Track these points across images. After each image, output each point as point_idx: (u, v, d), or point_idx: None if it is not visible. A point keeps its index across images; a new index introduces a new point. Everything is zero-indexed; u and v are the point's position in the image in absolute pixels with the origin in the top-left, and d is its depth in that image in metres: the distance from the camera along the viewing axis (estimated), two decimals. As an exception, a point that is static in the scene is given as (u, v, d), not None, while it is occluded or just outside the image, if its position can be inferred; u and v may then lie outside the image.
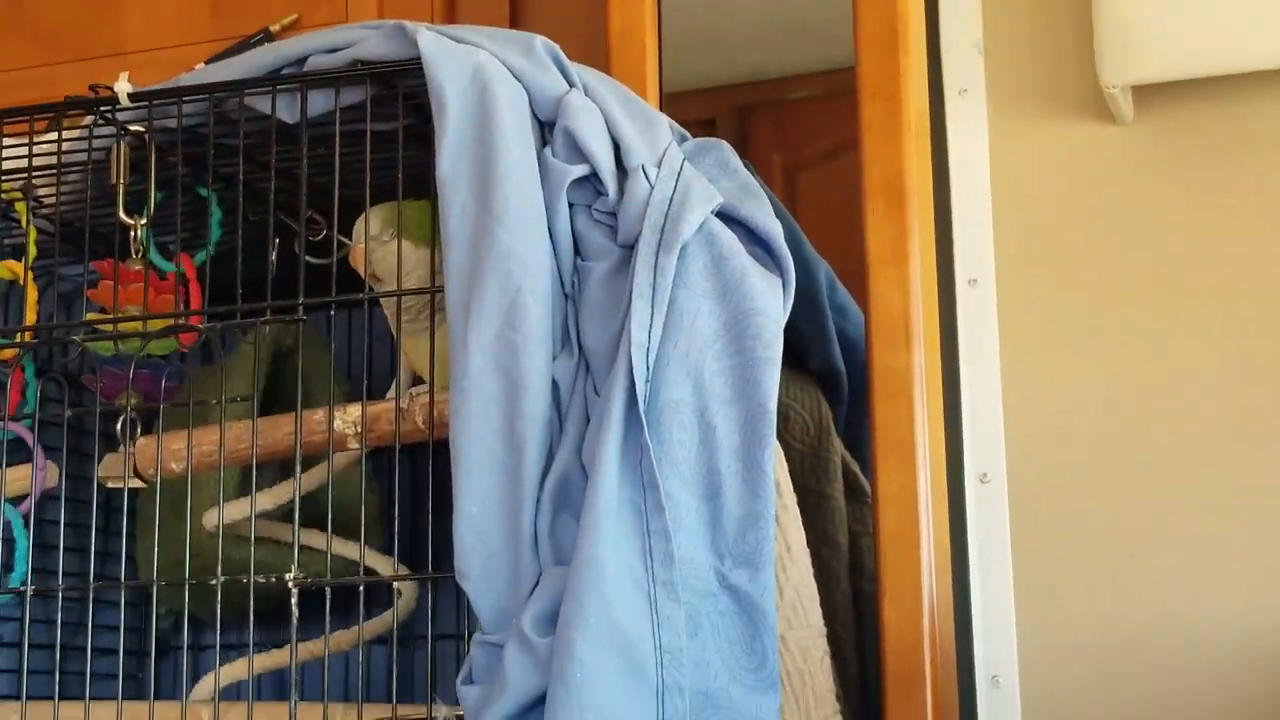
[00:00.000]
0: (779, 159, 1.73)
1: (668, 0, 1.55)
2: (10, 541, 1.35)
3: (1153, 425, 1.58)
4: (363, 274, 1.25)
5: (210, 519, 1.34)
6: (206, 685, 1.33)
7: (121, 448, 1.27)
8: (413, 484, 1.39)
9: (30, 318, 1.31)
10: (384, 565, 1.34)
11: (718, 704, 1.07)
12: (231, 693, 1.34)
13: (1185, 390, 1.58)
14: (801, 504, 1.35)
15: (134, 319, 1.26)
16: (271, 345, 1.45)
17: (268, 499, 1.32)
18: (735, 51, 1.74)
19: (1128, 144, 1.64)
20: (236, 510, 1.31)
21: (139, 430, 1.27)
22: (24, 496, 1.35)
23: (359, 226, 1.26)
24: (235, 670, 1.31)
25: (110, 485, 1.30)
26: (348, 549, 1.30)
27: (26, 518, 1.34)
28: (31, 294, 1.31)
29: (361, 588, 1.17)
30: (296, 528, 1.19)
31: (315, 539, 1.32)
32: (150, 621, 1.56)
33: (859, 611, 1.48)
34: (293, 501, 1.31)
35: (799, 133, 1.77)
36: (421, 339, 1.25)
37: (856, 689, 1.44)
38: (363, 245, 1.25)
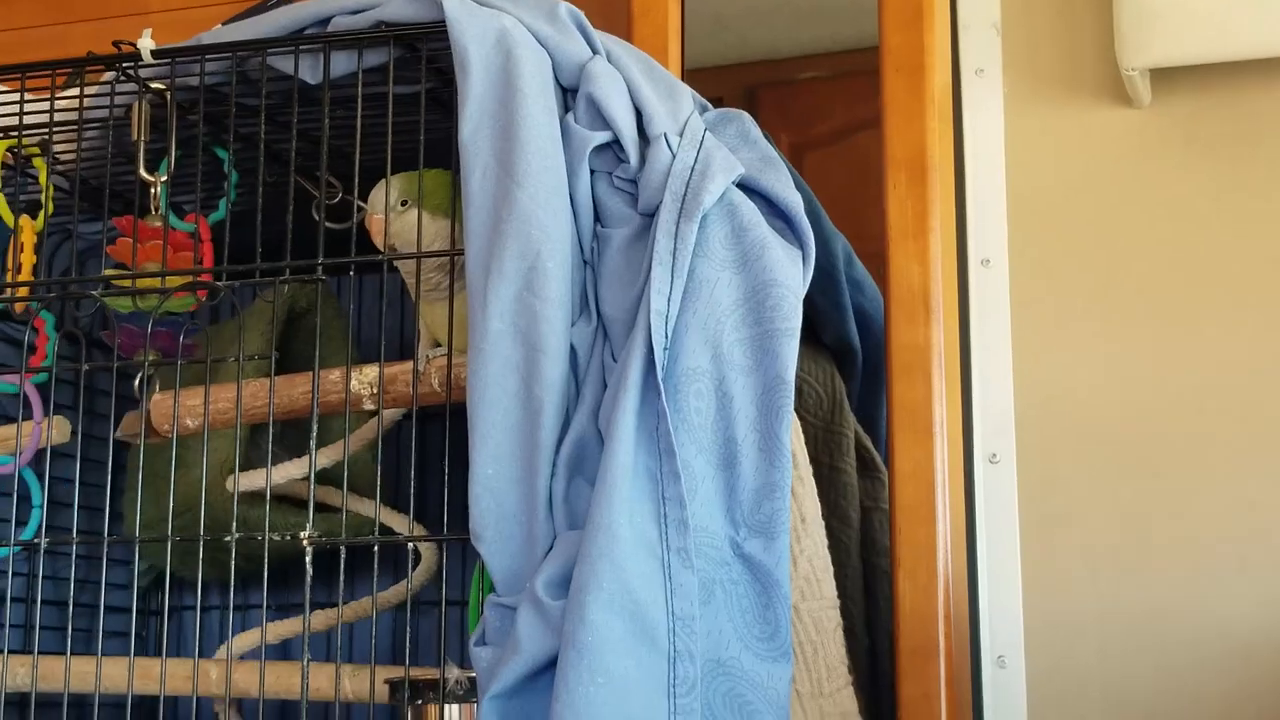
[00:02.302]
0: (787, 139, 1.73)
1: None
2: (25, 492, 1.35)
3: (1163, 409, 1.58)
4: (380, 245, 1.25)
5: (232, 480, 1.35)
6: (240, 643, 1.33)
7: (140, 404, 1.28)
8: (421, 451, 1.40)
9: (26, 271, 1.31)
10: (399, 523, 1.35)
11: (729, 671, 1.07)
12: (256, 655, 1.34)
13: (1196, 374, 1.58)
14: (815, 478, 1.36)
15: (153, 275, 1.26)
16: (286, 305, 1.45)
17: (296, 468, 1.32)
18: (744, 31, 1.74)
19: (1144, 127, 1.63)
20: (259, 478, 1.31)
21: (156, 387, 1.27)
22: (39, 453, 1.35)
23: (376, 195, 1.26)
24: (254, 636, 1.31)
25: (126, 439, 1.30)
26: (367, 508, 1.31)
27: (40, 475, 1.34)
28: (30, 244, 1.30)
29: (376, 548, 1.17)
30: (312, 487, 1.19)
31: (339, 500, 1.33)
32: (150, 580, 1.57)
33: (869, 586, 1.48)
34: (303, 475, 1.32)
35: (807, 113, 1.77)
36: (440, 307, 1.25)
37: (866, 663, 1.44)
38: (380, 215, 1.24)
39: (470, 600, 1.17)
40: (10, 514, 1.34)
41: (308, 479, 1.37)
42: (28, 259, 1.31)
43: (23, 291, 1.30)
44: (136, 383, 1.27)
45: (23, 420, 1.29)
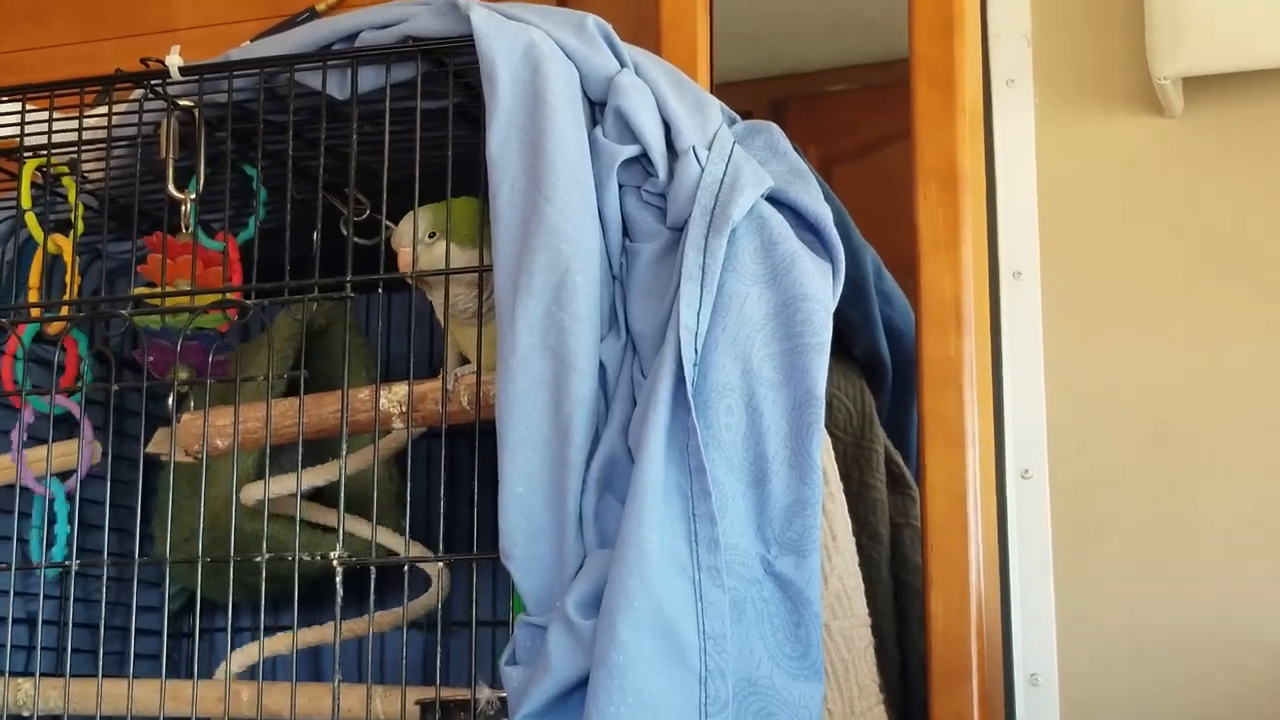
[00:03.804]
0: (815, 152, 1.73)
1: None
2: (52, 517, 1.35)
3: (1198, 420, 1.56)
4: (408, 277, 1.24)
5: (250, 492, 1.34)
6: (239, 659, 1.32)
7: (173, 421, 1.28)
8: (428, 470, 1.39)
9: (71, 291, 1.31)
10: (400, 547, 1.34)
11: (761, 691, 1.07)
12: (264, 675, 1.34)
13: (1231, 385, 1.56)
14: (845, 494, 1.35)
15: (183, 294, 1.26)
16: (304, 324, 1.45)
17: (309, 479, 1.32)
18: (773, 44, 1.74)
19: (1177, 136, 1.62)
20: (275, 486, 1.30)
21: (191, 404, 1.27)
22: (69, 473, 1.35)
23: (404, 228, 1.25)
24: (275, 645, 1.31)
25: (162, 458, 1.30)
26: (378, 534, 1.30)
27: (70, 495, 1.34)
28: (73, 264, 1.31)
29: (406, 568, 1.16)
30: (341, 506, 1.19)
31: (349, 523, 1.32)
32: (182, 603, 1.57)
33: (900, 603, 1.47)
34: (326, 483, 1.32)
35: (835, 126, 1.77)
36: (469, 328, 1.25)
37: (898, 681, 1.43)
38: (408, 248, 1.24)
39: (510, 620, 1.16)
40: (28, 536, 1.34)
41: (319, 500, 1.37)
42: (73, 279, 1.31)
43: (63, 311, 1.31)
44: (170, 400, 1.27)
45: (53, 441, 1.29)
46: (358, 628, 1.32)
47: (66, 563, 1.26)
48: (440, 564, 1.32)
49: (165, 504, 1.32)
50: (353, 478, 1.29)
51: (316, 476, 1.33)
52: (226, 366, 1.37)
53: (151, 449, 1.29)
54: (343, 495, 1.18)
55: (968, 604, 1.34)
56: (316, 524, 1.39)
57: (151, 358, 1.35)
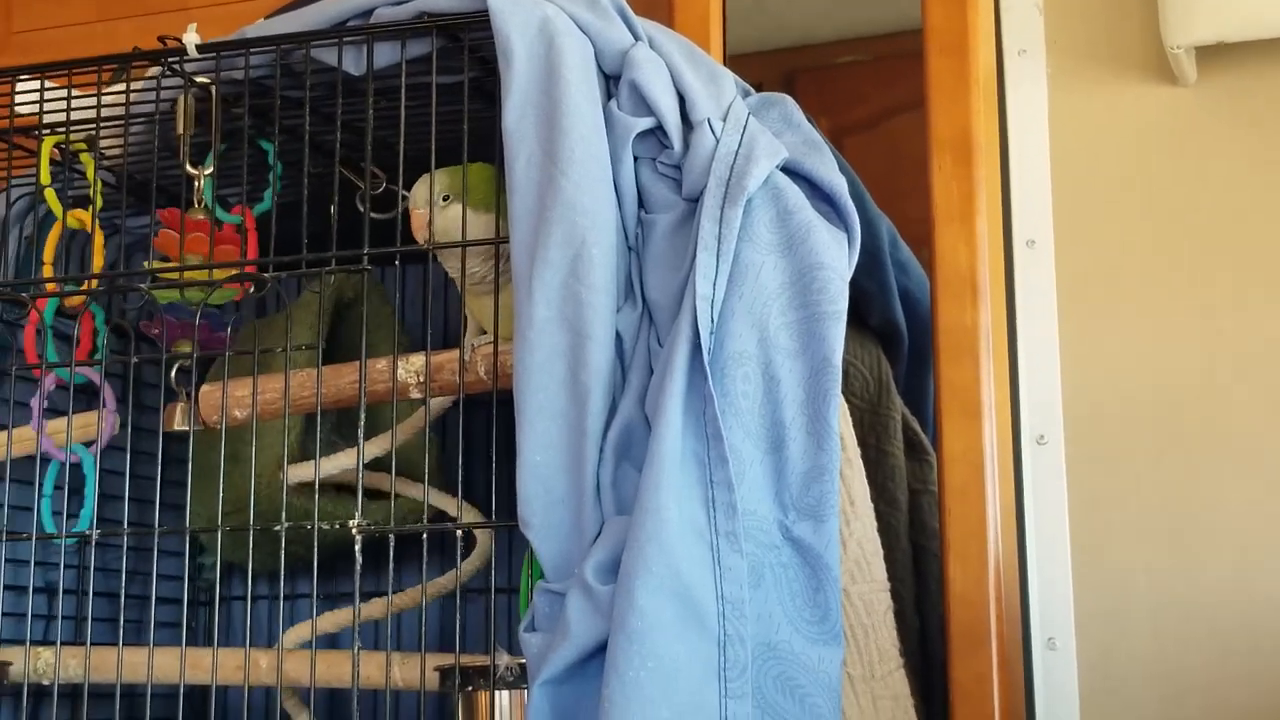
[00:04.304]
0: (826, 123, 1.73)
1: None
2: (78, 483, 1.36)
3: (1211, 388, 1.57)
4: (422, 240, 1.25)
5: (294, 473, 1.35)
6: (293, 637, 1.34)
7: (184, 394, 1.29)
8: (468, 439, 1.40)
9: (98, 264, 1.32)
10: (452, 506, 1.35)
11: (780, 655, 1.07)
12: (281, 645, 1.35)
13: (1245, 353, 1.57)
14: (862, 461, 1.35)
15: (200, 268, 1.27)
16: (333, 297, 1.46)
17: (348, 458, 1.33)
18: (782, 15, 1.74)
19: (1190, 105, 1.62)
20: (311, 472, 1.32)
21: (202, 378, 1.28)
22: (89, 444, 1.36)
23: (419, 190, 1.26)
24: (308, 628, 1.32)
25: (176, 428, 1.31)
26: (415, 492, 1.31)
27: (75, 465, 1.35)
28: (99, 239, 1.32)
29: (424, 535, 1.17)
30: (359, 475, 1.20)
31: (384, 487, 1.33)
32: (197, 570, 1.59)
33: (919, 568, 1.48)
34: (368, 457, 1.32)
35: (846, 97, 1.77)
36: (486, 298, 1.25)
37: (917, 645, 1.44)
38: (423, 210, 1.25)
39: (521, 587, 1.17)
40: (55, 506, 1.35)
41: (372, 467, 1.38)
42: (98, 254, 1.32)
43: (80, 286, 1.32)
44: (173, 373, 1.28)
45: (74, 413, 1.30)
46: (379, 605, 1.32)
47: (87, 532, 1.27)
48: (488, 530, 1.33)
49: (202, 473, 1.33)
50: (386, 449, 1.30)
51: (349, 458, 1.33)
52: (235, 342, 1.38)
53: (168, 426, 1.30)
54: (360, 467, 1.19)
55: (986, 570, 1.35)
56: (352, 489, 1.40)
57: (155, 331, 1.36)
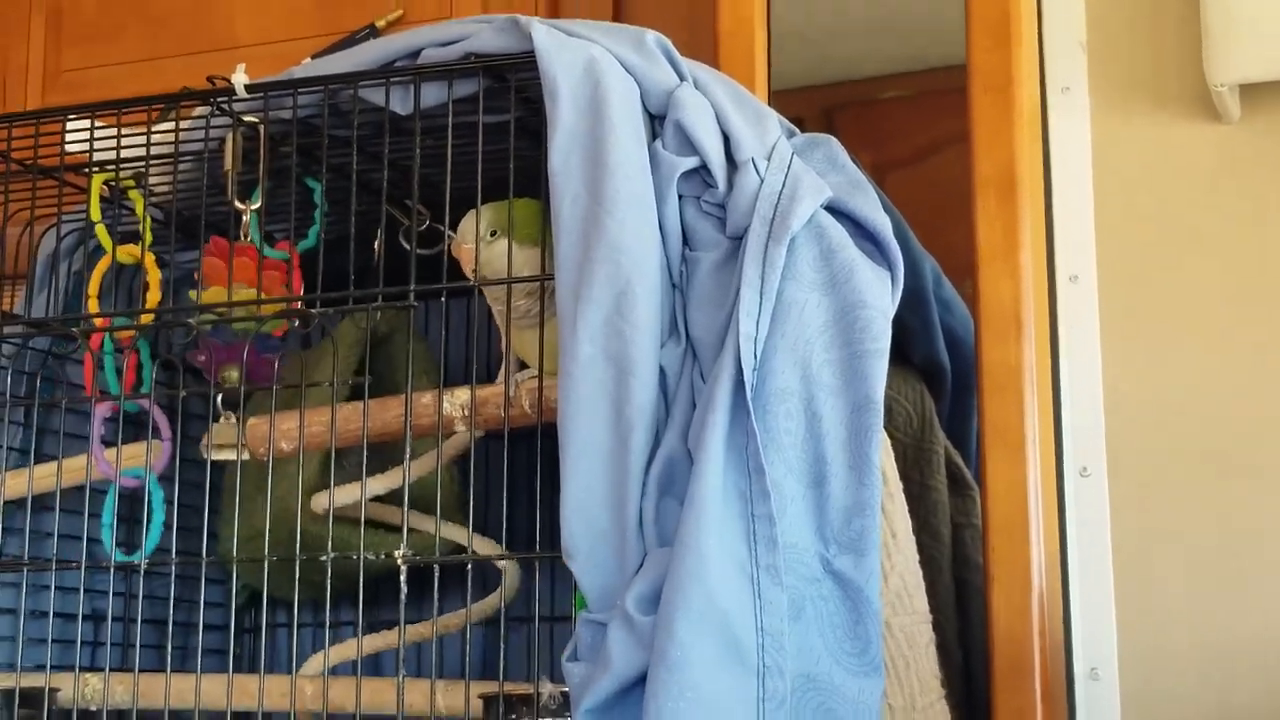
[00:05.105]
0: (867, 159, 1.73)
1: (776, -1, 1.56)
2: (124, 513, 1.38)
3: (1254, 421, 1.56)
4: (469, 274, 1.26)
5: (319, 501, 1.37)
6: (315, 664, 1.35)
7: (231, 419, 1.30)
8: (486, 472, 1.41)
9: (154, 298, 1.34)
10: (479, 544, 1.36)
11: (820, 687, 1.08)
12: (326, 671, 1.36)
13: (1288, 388, 1.56)
14: (906, 495, 1.35)
15: (248, 303, 1.29)
16: (367, 332, 1.47)
17: (374, 486, 1.34)
18: (825, 51, 1.74)
19: (1234, 143, 1.62)
20: (342, 495, 1.33)
21: (244, 405, 1.30)
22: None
23: (466, 225, 1.27)
24: (345, 650, 1.33)
25: (216, 457, 1.32)
26: (444, 529, 1.32)
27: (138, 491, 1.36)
28: (155, 275, 1.34)
29: (469, 566, 1.18)
30: (405, 507, 1.20)
31: (413, 521, 1.34)
32: (245, 598, 1.60)
33: (962, 601, 1.47)
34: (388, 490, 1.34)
35: (888, 133, 1.77)
36: (530, 333, 1.26)
37: (960, 678, 1.43)
38: (466, 244, 1.26)
39: (573, 617, 1.17)
40: (97, 535, 1.36)
41: (388, 500, 1.39)
42: (154, 288, 1.33)
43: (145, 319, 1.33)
44: (219, 399, 1.30)
45: (123, 443, 1.32)
46: (421, 632, 1.33)
47: (135, 561, 1.29)
48: (511, 561, 1.34)
49: (231, 504, 1.35)
50: (416, 482, 1.31)
51: (380, 484, 1.35)
52: (282, 372, 1.40)
53: (205, 446, 1.32)
54: (406, 495, 1.20)
55: (1029, 603, 1.35)
56: (379, 523, 1.41)
57: (202, 357, 1.38)
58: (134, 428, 1.43)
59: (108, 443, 1.35)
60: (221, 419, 1.31)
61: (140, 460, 1.35)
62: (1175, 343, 1.60)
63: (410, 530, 1.29)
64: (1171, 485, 1.57)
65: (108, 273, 1.40)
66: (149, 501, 1.32)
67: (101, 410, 1.34)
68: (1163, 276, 1.62)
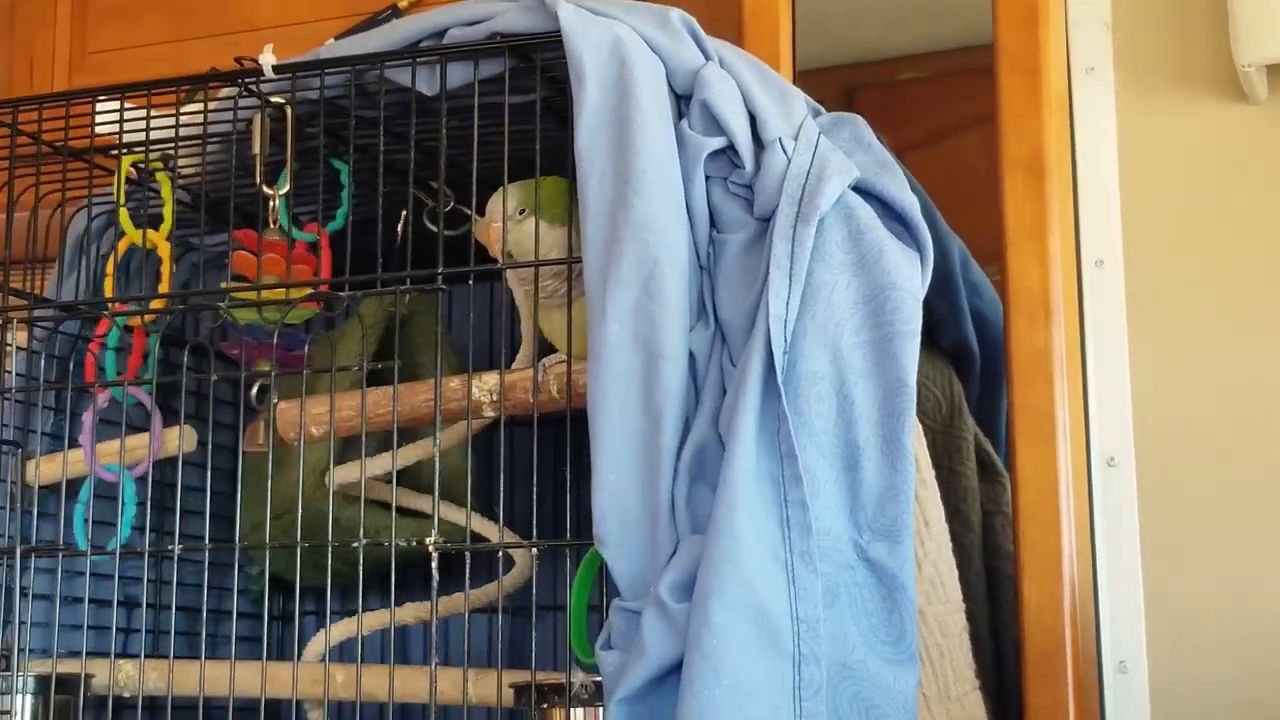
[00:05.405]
0: (888, 140, 1.72)
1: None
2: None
3: (1284, 408, 1.56)
4: (496, 252, 1.26)
5: (342, 477, 1.36)
6: (316, 646, 1.35)
7: (261, 413, 1.30)
8: (504, 456, 1.41)
9: (164, 285, 1.33)
10: (490, 531, 1.36)
11: (855, 675, 1.07)
12: (351, 658, 1.36)
13: (1318, 373, 1.55)
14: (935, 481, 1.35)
15: (277, 286, 1.28)
16: (387, 314, 1.47)
17: (387, 461, 1.33)
18: (846, 32, 1.73)
19: (1261, 123, 1.61)
20: (358, 470, 1.33)
21: (275, 396, 1.30)
22: (135, 464, 1.37)
23: (494, 204, 1.27)
24: (351, 627, 1.33)
25: (252, 451, 1.32)
26: (459, 517, 1.32)
27: (141, 480, 1.36)
28: (166, 260, 1.33)
29: (500, 554, 1.18)
30: (436, 495, 1.20)
31: (426, 504, 1.34)
32: (257, 584, 1.60)
33: (993, 590, 1.47)
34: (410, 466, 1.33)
35: (909, 114, 1.76)
36: (558, 314, 1.26)
37: (992, 667, 1.43)
38: (494, 223, 1.26)
39: (571, 605, 1.17)
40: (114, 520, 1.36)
41: (412, 485, 1.39)
42: (164, 279, 1.33)
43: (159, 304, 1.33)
44: (254, 391, 1.29)
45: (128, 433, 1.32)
46: (452, 605, 1.33)
47: (139, 549, 1.29)
48: (524, 550, 1.34)
49: (251, 490, 1.34)
50: (427, 465, 1.30)
51: (406, 456, 1.34)
52: (303, 361, 1.40)
53: (247, 443, 1.32)
54: (437, 485, 1.20)
55: (1060, 593, 1.34)
56: (398, 508, 1.41)
57: (235, 352, 1.38)
58: (141, 414, 1.42)
59: (135, 428, 1.35)
60: (260, 423, 1.31)
61: (144, 452, 1.34)
62: (1202, 328, 1.59)
63: (424, 516, 1.29)
64: (1199, 474, 1.56)
65: (135, 255, 1.39)
66: (121, 495, 1.32)
67: (103, 397, 1.34)
68: (1189, 260, 1.61)
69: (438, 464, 1.20)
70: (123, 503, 1.31)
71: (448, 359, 1.46)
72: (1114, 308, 1.60)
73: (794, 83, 1.46)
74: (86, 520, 1.32)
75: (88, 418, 1.34)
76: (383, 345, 1.48)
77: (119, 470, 1.32)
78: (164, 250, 1.34)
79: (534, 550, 1.21)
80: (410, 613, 1.37)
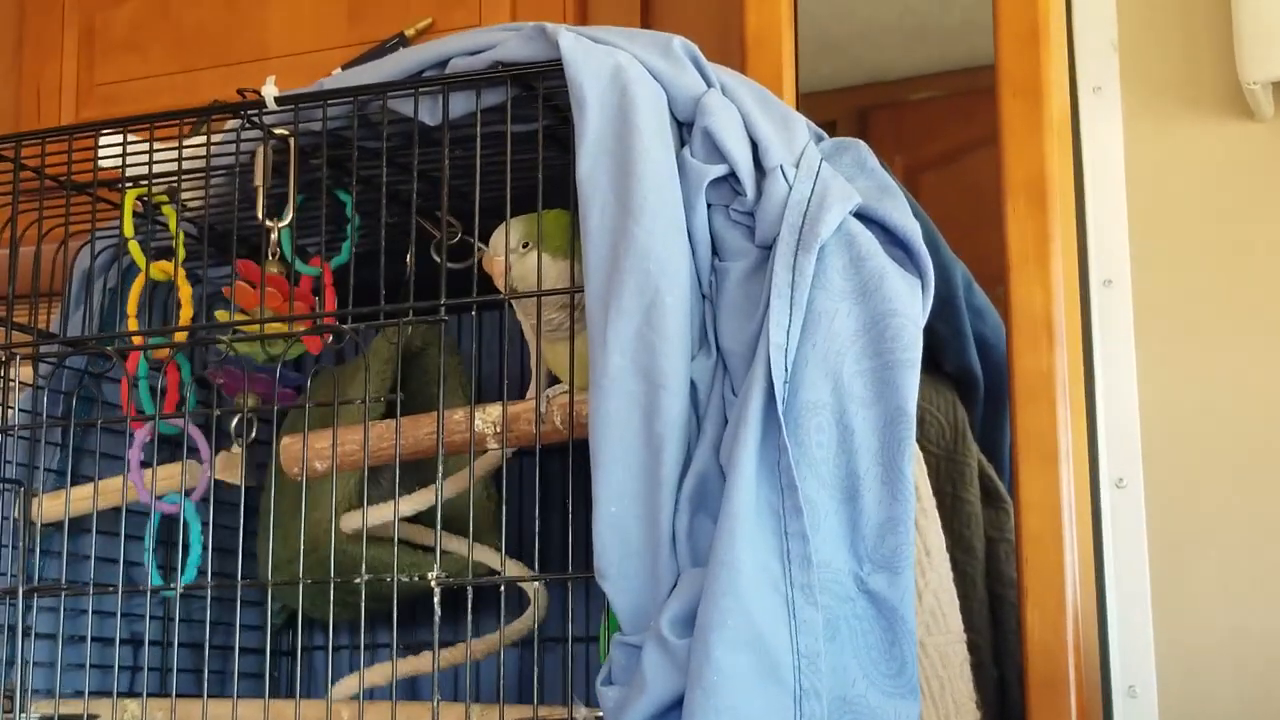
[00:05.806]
0: (898, 161, 1.73)
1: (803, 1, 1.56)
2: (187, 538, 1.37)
3: (1293, 429, 1.55)
4: (501, 286, 1.26)
5: (348, 521, 1.36)
6: (347, 686, 1.34)
7: (235, 447, 1.30)
8: (520, 489, 1.41)
9: (185, 316, 1.34)
10: (497, 564, 1.35)
11: (856, 709, 1.07)
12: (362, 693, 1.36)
13: (1328, 393, 1.54)
14: (938, 509, 1.34)
15: (280, 320, 1.29)
16: (400, 347, 1.47)
17: (408, 505, 1.33)
18: (855, 53, 1.74)
19: (1267, 141, 1.61)
20: (375, 515, 1.32)
21: (254, 432, 1.30)
22: (187, 493, 1.37)
23: (497, 238, 1.27)
24: (376, 674, 1.32)
25: (223, 478, 1.32)
26: (476, 552, 1.31)
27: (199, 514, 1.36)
28: (186, 292, 1.34)
29: (502, 588, 1.18)
30: (439, 529, 1.20)
31: (448, 542, 1.33)
32: (282, 620, 1.60)
33: (996, 618, 1.46)
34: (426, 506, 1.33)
35: (920, 134, 1.76)
36: (561, 346, 1.26)
37: (995, 696, 1.42)
38: (500, 258, 1.26)
39: (600, 637, 1.17)
40: (135, 558, 1.36)
41: (418, 520, 1.39)
42: (186, 305, 1.33)
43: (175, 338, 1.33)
44: (234, 425, 1.30)
45: (160, 464, 1.32)
46: (456, 655, 1.33)
47: (172, 586, 1.29)
48: (538, 584, 1.34)
49: (266, 526, 1.34)
50: (450, 499, 1.30)
51: (414, 503, 1.34)
52: (296, 396, 1.39)
53: (219, 474, 1.32)
54: (440, 516, 1.20)
55: (1064, 617, 1.33)
56: (416, 544, 1.41)
57: (221, 381, 1.38)
58: (171, 447, 1.43)
59: (148, 464, 1.35)
60: (224, 454, 1.31)
61: (176, 483, 1.34)
62: (1212, 347, 1.58)
63: (447, 553, 1.28)
64: (1209, 495, 1.55)
65: (142, 290, 1.40)
66: (184, 531, 1.31)
67: (141, 433, 1.34)
68: (1198, 279, 1.60)
69: (440, 497, 1.20)
70: (185, 540, 1.30)
71: (463, 390, 1.46)
72: (1122, 327, 1.59)
73: (800, 106, 1.47)
74: (151, 555, 1.31)
75: (134, 454, 1.33)
76: (401, 378, 1.49)
77: (180, 500, 1.32)
78: (184, 288, 1.34)
79: (538, 584, 1.20)
80: (444, 657, 1.36)
